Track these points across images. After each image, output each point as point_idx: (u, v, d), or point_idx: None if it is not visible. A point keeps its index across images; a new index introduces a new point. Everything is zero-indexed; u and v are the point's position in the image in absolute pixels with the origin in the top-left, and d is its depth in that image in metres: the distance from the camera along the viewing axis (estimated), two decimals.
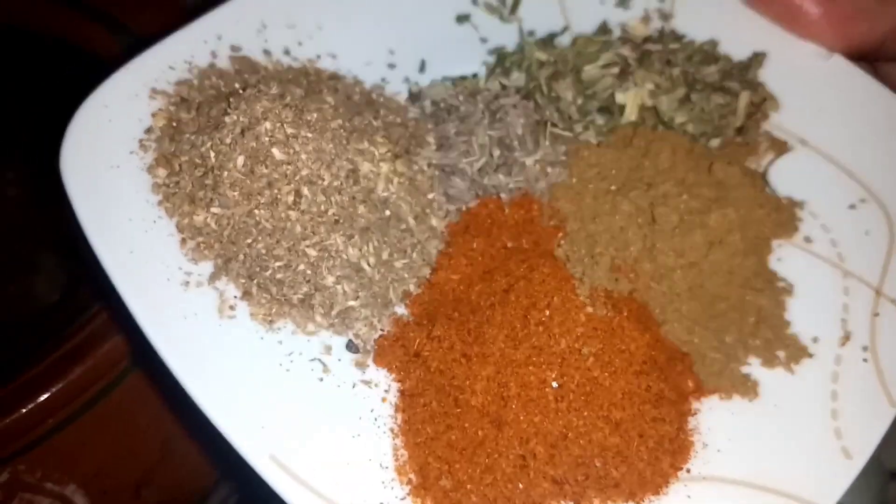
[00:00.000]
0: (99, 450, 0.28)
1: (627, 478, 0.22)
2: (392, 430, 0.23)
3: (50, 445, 0.26)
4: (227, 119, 0.26)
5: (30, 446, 0.26)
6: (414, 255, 0.26)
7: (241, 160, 0.25)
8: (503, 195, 0.27)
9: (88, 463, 0.28)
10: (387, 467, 0.22)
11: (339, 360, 0.24)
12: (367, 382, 0.24)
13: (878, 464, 0.42)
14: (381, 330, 0.25)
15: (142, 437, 0.29)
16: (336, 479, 0.22)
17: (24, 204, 0.42)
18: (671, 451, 0.22)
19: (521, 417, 0.22)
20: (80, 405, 0.26)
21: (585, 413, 0.22)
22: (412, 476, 0.22)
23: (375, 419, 0.23)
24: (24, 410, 0.25)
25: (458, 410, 0.23)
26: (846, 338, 0.24)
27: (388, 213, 0.26)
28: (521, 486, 0.22)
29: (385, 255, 0.26)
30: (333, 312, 0.25)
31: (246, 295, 0.25)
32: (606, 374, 0.22)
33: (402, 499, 0.22)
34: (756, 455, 0.23)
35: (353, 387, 0.24)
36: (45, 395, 0.25)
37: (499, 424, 0.22)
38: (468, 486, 0.22)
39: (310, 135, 0.25)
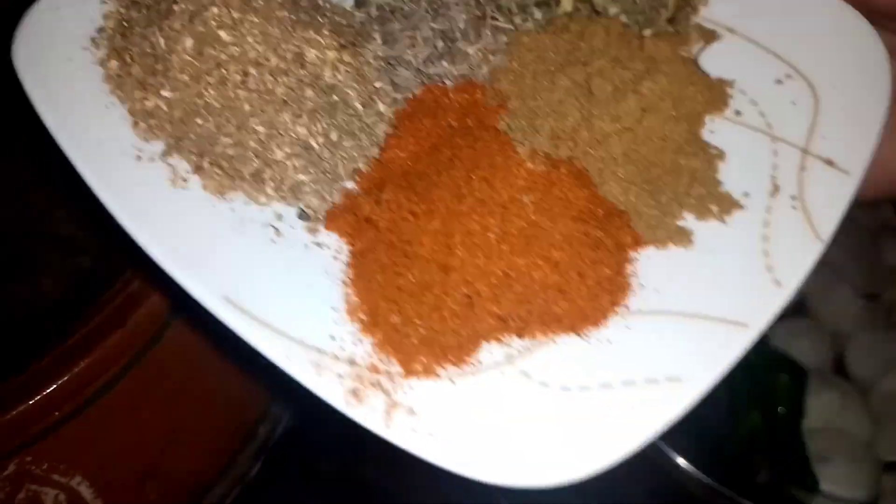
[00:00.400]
0: (104, 442, 0.28)
1: (569, 313, 0.23)
2: (343, 282, 0.24)
3: (56, 437, 0.27)
4: (175, 7, 0.27)
5: (37, 438, 0.26)
6: (362, 136, 0.27)
7: (189, 42, 0.26)
8: (448, 82, 0.29)
9: (94, 455, 0.28)
10: (338, 310, 0.23)
11: (291, 227, 0.25)
12: (318, 244, 0.25)
13: (872, 455, 0.43)
14: (332, 203, 0.26)
15: (147, 430, 0.29)
16: (288, 316, 0.23)
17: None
18: (610, 290, 0.24)
19: (466, 262, 0.23)
20: (86, 398, 0.26)
21: (526, 254, 0.23)
22: (362, 315, 0.23)
23: (326, 272, 0.24)
24: (30, 403, 0.25)
25: (407, 260, 0.24)
26: (776, 190, 0.26)
27: (335, 98, 0.27)
28: (467, 321, 0.23)
29: (334, 137, 0.27)
30: (284, 186, 0.26)
31: (198, 170, 0.26)
32: (546, 218, 0.24)
33: (353, 333, 0.23)
34: (692, 291, 0.24)
35: (305, 247, 0.25)
36: (52, 388, 0.25)
37: (445, 269, 0.23)
38: (416, 322, 0.23)
39: (256, 20, 0.27)
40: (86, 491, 0.27)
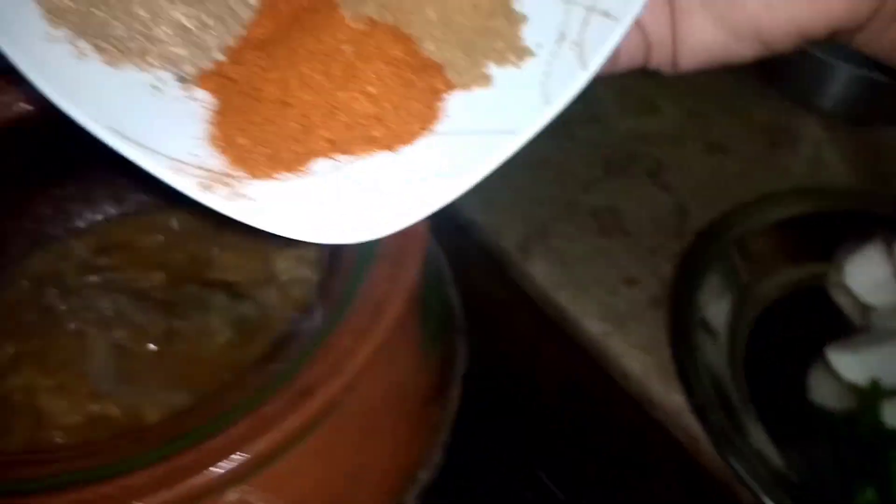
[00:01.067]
0: (304, 478, 0.31)
1: (385, 136, 0.29)
2: (208, 122, 0.30)
3: (270, 472, 0.30)
4: None
5: (257, 470, 0.29)
6: (230, 20, 0.32)
7: None
8: None
9: (294, 490, 0.31)
10: (202, 140, 0.29)
11: (170, 87, 0.31)
12: (192, 98, 0.31)
13: None
14: (203, 69, 0.31)
15: (335, 469, 0.32)
16: (162, 142, 0.28)
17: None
18: (420, 119, 0.29)
19: (301, 99, 0.29)
20: (297, 436, 0.29)
21: (347, 90, 0.29)
22: (220, 143, 0.29)
23: (195, 116, 0.30)
24: (268, 437, 0.28)
25: (256, 103, 0.30)
26: (562, 38, 0.31)
27: None
28: (303, 143, 0.29)
29: (206, 20, 0.32)
30: (165, 58, 0.31)
31: (97, 48, 0.31)
32: (362, 61, 0.29)
33: (212, 154, 0.29)
34: (485, 117, 0.29)
35: (180, 100, 0.31)
36: (286, 424, 0.29)
37: (284, 105, 0.29)
38: (262, 146, 0.29)
39: None
40: None
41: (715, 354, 0.50)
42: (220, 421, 0.27)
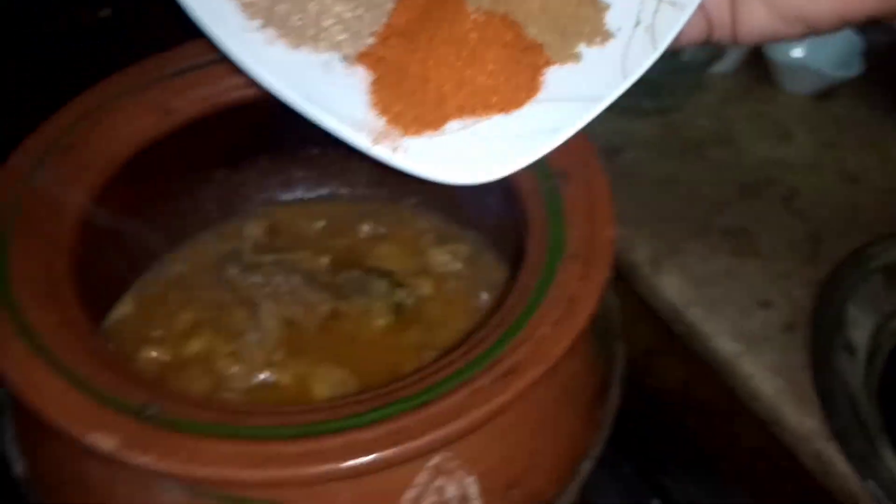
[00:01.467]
0: (496, 451, 0.33)
1: (500, 101, 0.36)
2: (368, 92, 0.37)
3: (468, 441, 0.31)
4: None
5: (459, 438, 0.31)
6: (378, 11, 0.39)
7: None
8: None
9: (487, 461, 0.33)
10: (365, 106, 0.37)
11: (335, 65, 0.38)
12: (353, 74, 0.38)
13: None
14: (359, 51, 0.38)
15: (521, 446, 0.34)
16: (340, 108, 0.36)
17: None
18: (526, 89, 0.37)
19: (437, 74, 0.36)
20: (496, 414, 0.31)
21: (472, 68, 0.36)
22: (377, 110, 0.37)
23: (358, 89, 0.37)
24: (481, 411, 0.30)
25: (402, 77, 0.37)
26: (637, 24, 0.38)
27: None
28: (439, 108, 0.36)
29: (359, 11, 0.39)
30: (331, 42, 0.38)
31: (281, 35, 0.38)
32: (483, 46, 0.37)
33: (374, 117, 0.36)
34: (576, 87, 0.37)
35: (345, 75, 0.38)
36: (492, 403, 0.31)
37: (425, 80, 0.36)
38: (409, 109, 0.36)
39: None
40: (472, 491, 0.31)
41: (854, 380, 0.50)
42: (435, 390, 0.30)
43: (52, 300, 0.35)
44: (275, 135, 0.52)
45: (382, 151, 0.35)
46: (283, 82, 0.36)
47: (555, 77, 0.38)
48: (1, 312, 0.33)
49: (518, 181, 0.40)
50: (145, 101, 0.43)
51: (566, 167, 0.40)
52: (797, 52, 0.77)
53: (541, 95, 0.37)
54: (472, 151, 0.35)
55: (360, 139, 0.35)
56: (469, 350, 0.32)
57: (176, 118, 0.44)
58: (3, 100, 0.65)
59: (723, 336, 0.58)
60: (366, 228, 0.54)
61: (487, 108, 0.36)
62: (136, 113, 0.43)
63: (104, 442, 0.29)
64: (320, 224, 0.55)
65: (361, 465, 0.28)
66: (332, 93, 0.37)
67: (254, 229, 0.53)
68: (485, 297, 0.51)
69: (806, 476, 0.54)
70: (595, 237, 0.35)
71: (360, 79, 0.38)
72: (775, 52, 0.76)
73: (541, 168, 0.39)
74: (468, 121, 0.36)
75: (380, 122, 0.36)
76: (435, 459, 0.31)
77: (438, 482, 0.32)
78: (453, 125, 0.36)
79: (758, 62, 0.79)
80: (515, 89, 0.37)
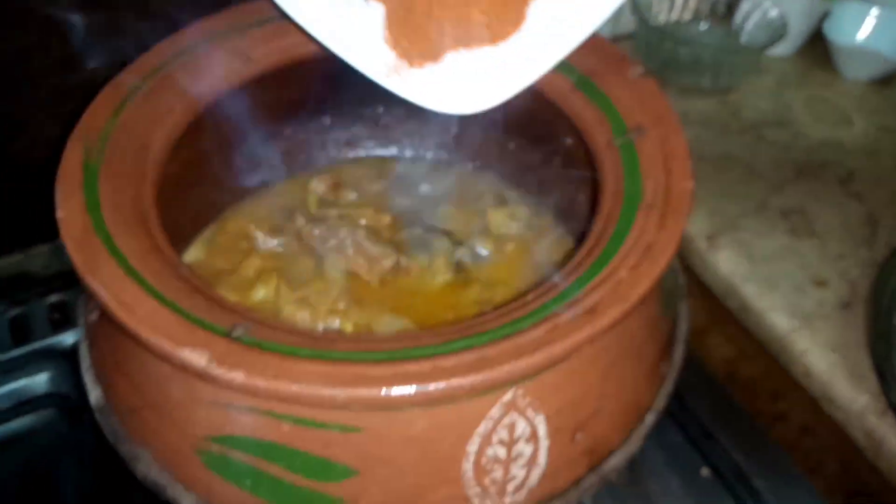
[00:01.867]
0: (564, 392, 0.34)
1: (491, 35, 0.41)
2: (384, 26, 0.41)
3: (541, 379, 0.32)
4: None
5: (532, 376, 0.31)
6: None
7: None
8: None
9: (556, 401, 0.33)
10: (381, 37, 0.42)
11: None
12: (370, 9, 0.41)
13: None
14: None
15: (589, 392, 0.35)
16: (359, 45, 0.41)
17: None
18: (513, 23, 0.41)
19: (439, 12, 0.40)
20: (573, 352, 0.32)
21: (468, 7, 0.40)
22: (393, 44, 0.41)
23: (374, 21, 0.41)
24: (555, 346, 0.31)
25: (410, 14, 0.40)
26: None
27: None
28: (439, 42, 0.40)
29: None
30: None
31: None
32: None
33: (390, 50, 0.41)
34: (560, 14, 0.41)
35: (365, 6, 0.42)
36: (572, 339, 0.31)
37: (428, 17, 0.40)
38: (415, 44, 0.40)
39: None
40: (541, 429, 0.32)
41: None
42: (517, 325, 0.31)
43: (140, 229, 0.36)
44: (341, 92, 0.53)
45: (393, 83, 0.40)
46: (310, 18, 0.42)
47: (537, 10, 0.41)
48: (94, 237, 0.35)
49: (591, 136, 0.41)
50: (230, 48, 0.44)
51: (642, 122, 0.40)
52: (860, 36, 0.76)
53: (524, 28, 0.41)
54: (468, 80, 0.40)
55: (373, 71, 0.40)
56: (546, 292, 0.33)
57: (255, 67, 0.45)
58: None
59: (777, 312, 0.58)
60: (427, 189, 0.55)
61: (480, 41, 0.41)
62: (219, 59, 0.44)
63: (195, 358, 0.30)
64: (383, 183, 0.56)
65: (442, 390, 0.29)
66: (351, 29, 0.41)
67: (319, 184, 0.54)
68: (543, 258, 0.52)
69: (855, 453, 0.54)
70: (672, 188, 0.36)
71: (376, 14, 0.42)
72: (837, 36, 0.76)
73: (616, 123, 0.40)
74: (463, 53, 0.41)
75: (391, 56, 0.41)
76: (509, 395, 0.32)
77: (510, 418, 0.32)
78: (450, 57, 0.41)
79: (816, 46, 0.78)
80: (503, 24, 0.41)
